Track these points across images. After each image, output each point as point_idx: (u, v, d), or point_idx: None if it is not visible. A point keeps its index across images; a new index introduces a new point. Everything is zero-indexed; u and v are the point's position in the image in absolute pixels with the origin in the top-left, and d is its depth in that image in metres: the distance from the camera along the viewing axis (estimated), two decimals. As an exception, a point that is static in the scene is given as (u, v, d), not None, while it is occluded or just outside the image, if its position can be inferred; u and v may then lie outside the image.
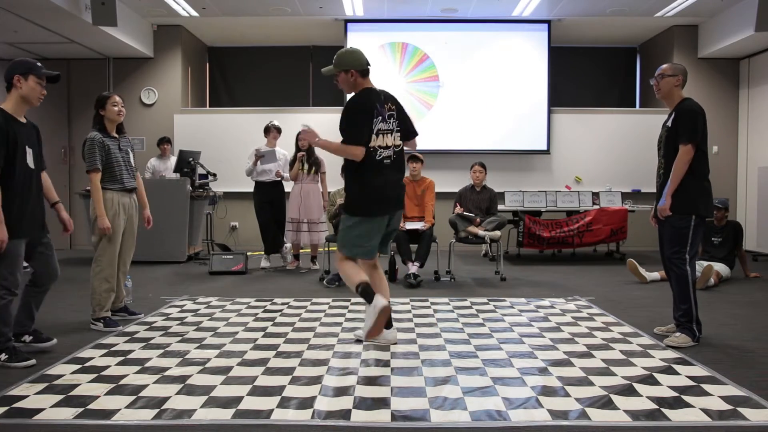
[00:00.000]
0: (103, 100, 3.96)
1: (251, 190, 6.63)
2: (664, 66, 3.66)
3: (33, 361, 3.16)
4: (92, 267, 3.98)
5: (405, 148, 3.62)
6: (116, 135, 4.05)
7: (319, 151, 6.45)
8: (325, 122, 8.51)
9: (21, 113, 3.20)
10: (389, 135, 3.48)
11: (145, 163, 7.73)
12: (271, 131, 6.58)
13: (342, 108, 3.52)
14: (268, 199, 6.51)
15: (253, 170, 6.47)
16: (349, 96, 3.67)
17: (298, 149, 6.34)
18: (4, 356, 3.13)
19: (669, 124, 3.57)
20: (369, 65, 3.53)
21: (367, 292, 3.37)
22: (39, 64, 3.21)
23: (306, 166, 6.31)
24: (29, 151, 3.20)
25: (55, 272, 3.46)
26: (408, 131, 3.61)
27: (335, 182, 6.65)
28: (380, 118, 3.44)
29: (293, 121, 8.10)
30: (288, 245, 6.59)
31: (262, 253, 6.76)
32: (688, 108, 3.51)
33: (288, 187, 6.60)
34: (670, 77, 3.59)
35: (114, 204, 3.96)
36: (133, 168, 4.16)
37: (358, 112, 3.40)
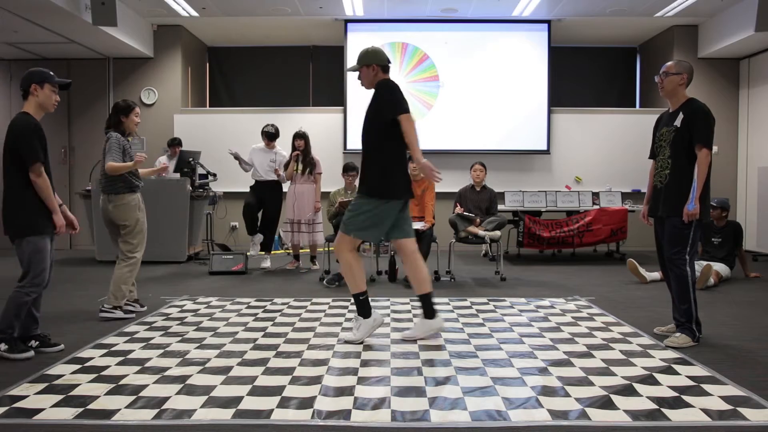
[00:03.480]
0: (129, 110, 4.24)
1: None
2: (669, 63, 3.62)
3: (31, 353, 3.22)
4: (124, 261, 4.21)
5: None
6: (129, 139, 4.33)
7: (315, 152, 6.46)
8: (324, 122, 8.54)
9: (39, 119, 3.39)
10: None
11: (154, 161, 7.77)
12: (263, 137, 6.62)
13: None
14: (259, 197, 6.57)
15: (246, 168, 6.58)
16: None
17: (293, 149, 6.34)
18: (3, 346, 3.18)
19: (678, 124, 3.51)
20: (390, 63, 3.71)
21: (366, 306, 3.55)
22: (52, 73, 3.41)
23: (300, 167, 6.31)
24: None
25: (50, 272, 3.47)
26: None
27: (332, 183, 6.67)
28: None
29: (293, 121, 8.11)
30: (259, 236, 6.64)
31: (263, 253, 6.76)
32: (703, 110, 3.49)
33: (285, 187, 6.61)
34: (674, 75, 3.55)
35: (138, 203, 4.26)
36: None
37: (399, 89, 3.60)
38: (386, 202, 3.52)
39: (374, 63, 3.63)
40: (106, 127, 4.31)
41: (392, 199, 3.54)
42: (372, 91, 3.70)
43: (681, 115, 3.52)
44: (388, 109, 3.50)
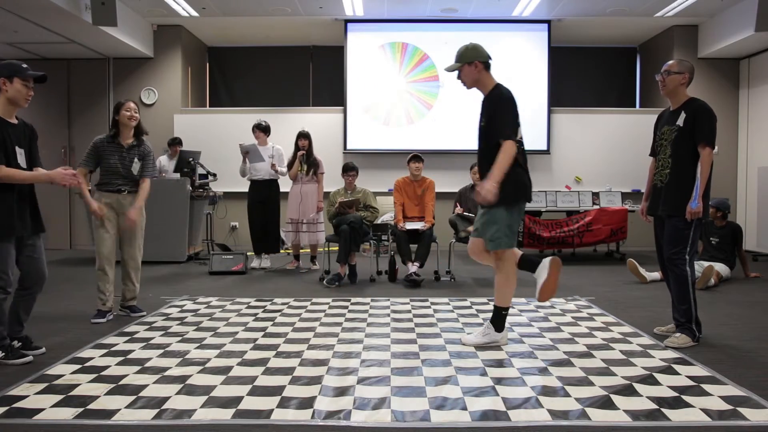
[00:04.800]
0: (119, 106, 4.22)
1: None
2: (671, 62, 3.61)
3: (30, 358, 3.19)
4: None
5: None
6: (126, 142, 4.21)
7: (317, 152, 6.46)
8: (324, 122, 8.54)
9: (10, 114, 3.25)
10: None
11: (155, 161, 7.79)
12: (255, 132, 6.59)
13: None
14: (260, 199, 6.52)
15: (245, 169, 6.49)
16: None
17: (297, 149, 6.34)
18: (0, 354, 3.16)
19: (680, 123, 3.49)
20: (491, 59, 3.57)
21: (531, 261, 3.48)
22: (24, 65, 3.25)
23: (305, 167, 6.31)
24: (20, 152, 3.24)
25: (42, 275, 3.41)
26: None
27: (333, 183, 6.67)
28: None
29: (293, 121, 8.12)
30: (266, 260, 6.69)
31: (264, 255, 6.75)
32: (706, 109, 3.48)
33: (283, 186, 6.60)
34: (676, 74, 3.54)
35: (99, 202, 4.15)
36: (136, 175, 4.25)
37: (515, 105, 3.49)
38: (517, 206, 3.44)
39: (477, 60, 3.48)
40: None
41: (521, 203, 3.46)
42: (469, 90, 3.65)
43: (683, 114, 3.51)
44: (495, 131, 3.41)
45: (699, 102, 3.53)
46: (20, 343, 3.37)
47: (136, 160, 4.24)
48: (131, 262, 4.32)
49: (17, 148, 3.22)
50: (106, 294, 4.17)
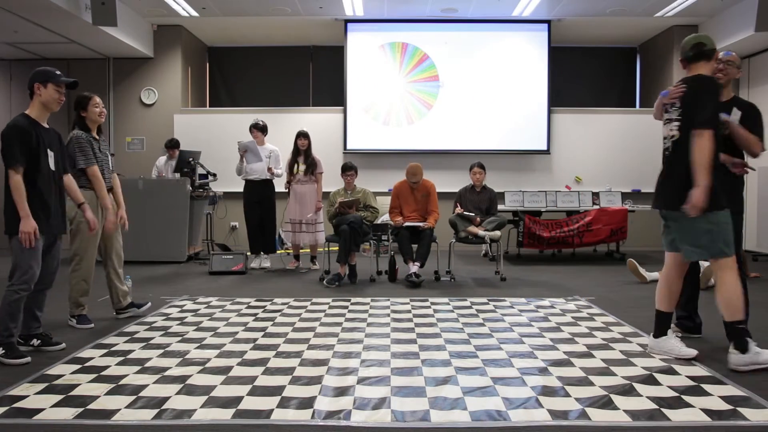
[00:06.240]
0: (85, 101, 4.05)
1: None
2: (734, 55, 3.54)
3: (28, 359, 3.19)
4: (71, 266, 4.03)
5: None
6: (97, 136, 4.12)
7: (317, 152, 6.47)
8: (324, 122, 8.54)
9: (43, 119, 3.40)
10: (668, 125, 3.29)
11: (153, 162, 7.82)
12: (252, 131, 6.58)
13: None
14: (257, 199, 6.52)
15: (242, 168, 6.47)
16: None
17: (297, 149, 6.34)
18: (1, 351, 3.17)
19: (737, 120, 3.45)
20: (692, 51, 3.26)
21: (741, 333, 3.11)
22: (58, 72, 3.38)
23: (303, 167, 6.31)
24: (50, 154, 3.37)
25: (55, 273, 3.51)
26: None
27: (333, 183, 6.67)
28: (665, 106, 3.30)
29: (293, 121, 8.11)
30: (264, 258, 6.67)
31: (264, 255, 6.75)
32: (757, 107, 3.52)
33: (279, 186, 6.60)
34: (736, 69, 3.54)
35: (93, 203, 3.99)
36: (110, 169, 4.20)
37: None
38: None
39: None
40: (72, 126, 4.13)
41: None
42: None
43: (737, 111, 3.46)
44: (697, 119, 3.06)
45: (746, 100, 3.56)
46: (40, 341, 3.41)
47: (107, 152, 4.18)
48: (118, 261, 4.23)
49: (48, 151, 3.35)
50: (83, 303, 4.05)
